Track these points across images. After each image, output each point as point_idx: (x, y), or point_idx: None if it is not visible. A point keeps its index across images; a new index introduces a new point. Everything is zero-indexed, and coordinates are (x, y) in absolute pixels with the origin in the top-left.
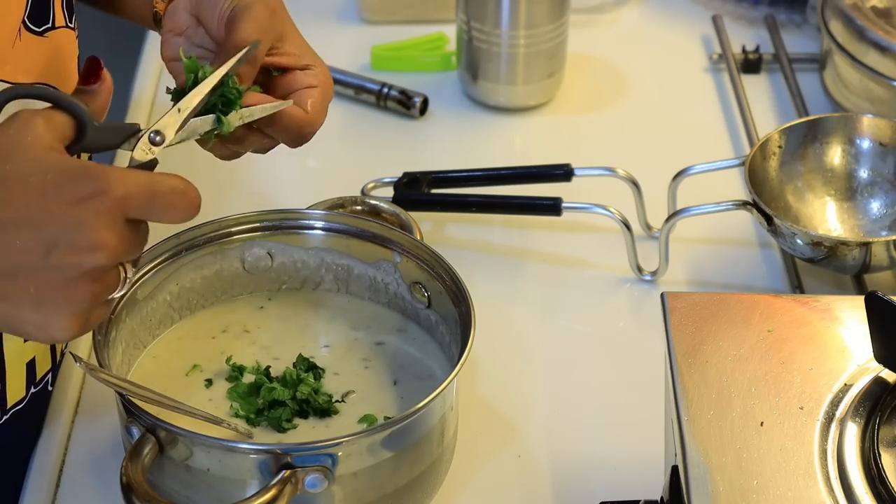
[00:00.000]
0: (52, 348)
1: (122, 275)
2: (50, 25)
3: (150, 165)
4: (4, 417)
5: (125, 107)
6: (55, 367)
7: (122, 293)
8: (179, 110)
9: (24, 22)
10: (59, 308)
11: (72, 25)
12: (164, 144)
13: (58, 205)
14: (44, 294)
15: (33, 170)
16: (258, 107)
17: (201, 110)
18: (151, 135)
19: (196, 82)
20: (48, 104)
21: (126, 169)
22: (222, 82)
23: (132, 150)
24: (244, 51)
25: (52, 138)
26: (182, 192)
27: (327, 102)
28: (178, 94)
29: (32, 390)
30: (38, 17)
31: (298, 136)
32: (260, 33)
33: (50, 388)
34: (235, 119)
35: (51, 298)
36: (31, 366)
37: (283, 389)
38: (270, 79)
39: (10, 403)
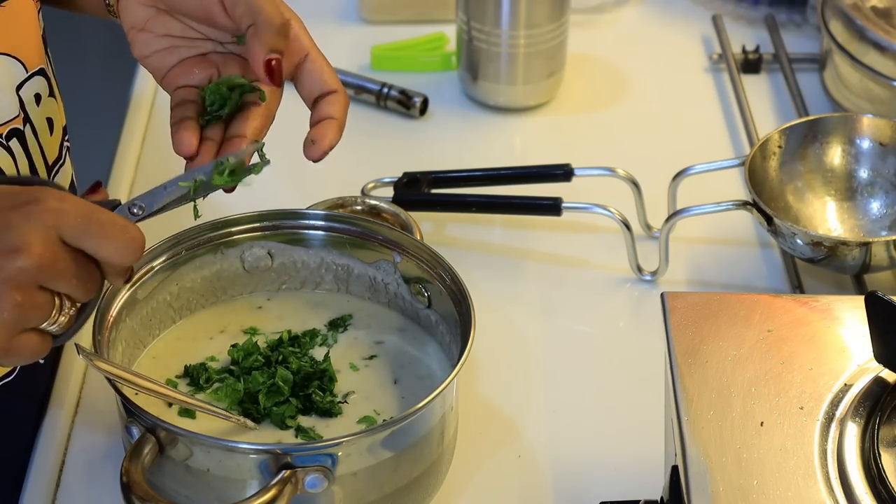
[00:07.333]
0: None
1: (57, 303)
2: None
3: (111, 205)
4: None
5: (125, 107)
6: None
7: (59, 331)
8: (165, 188)
9: None
10: None
11: None
12: (142, 217)
13: None
14: None
15: None
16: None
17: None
18: (133, 208)
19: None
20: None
21: (71, 193)
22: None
23: None
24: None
25: None
26: (122, 227)
27: (342, 129)
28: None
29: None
30: None
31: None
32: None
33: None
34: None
35: None
36: None
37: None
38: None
39: None
